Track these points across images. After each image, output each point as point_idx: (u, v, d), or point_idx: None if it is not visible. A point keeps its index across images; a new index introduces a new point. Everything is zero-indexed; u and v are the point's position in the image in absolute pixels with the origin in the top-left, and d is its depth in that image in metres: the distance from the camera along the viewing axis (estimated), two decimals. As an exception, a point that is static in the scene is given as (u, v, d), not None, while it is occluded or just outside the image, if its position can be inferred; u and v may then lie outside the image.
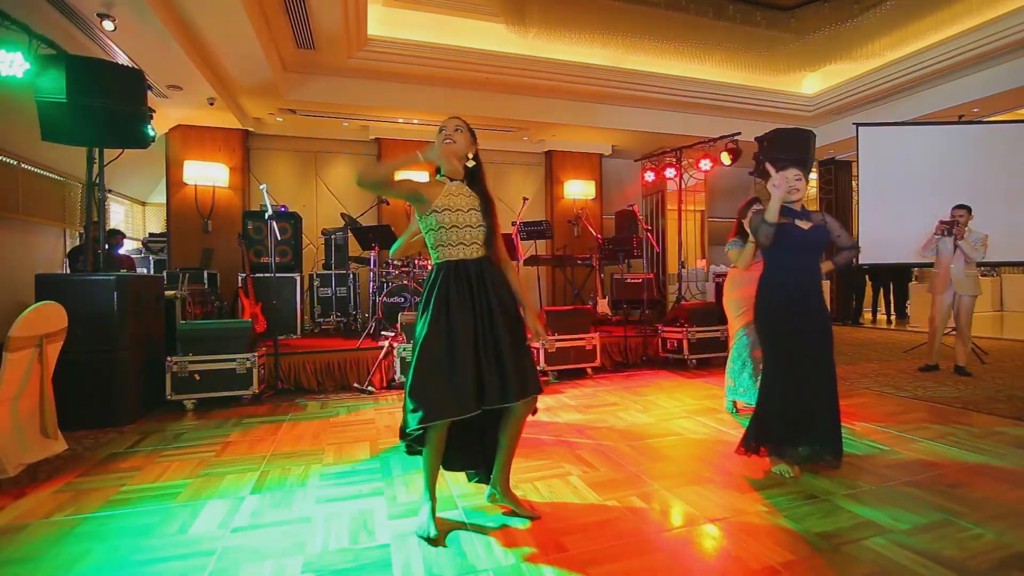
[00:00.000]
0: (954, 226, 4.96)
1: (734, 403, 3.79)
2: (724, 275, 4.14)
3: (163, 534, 2.11)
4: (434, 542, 1.98)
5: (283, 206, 7.02)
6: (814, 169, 9.72)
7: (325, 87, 6.70)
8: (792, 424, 2.57)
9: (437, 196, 2.09)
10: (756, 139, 5.74)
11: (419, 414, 1.93)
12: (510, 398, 2.02)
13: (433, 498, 2.10)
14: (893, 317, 9.92)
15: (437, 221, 2.07)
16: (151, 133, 4.01)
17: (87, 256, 4.00)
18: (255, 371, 4.26)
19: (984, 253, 4.95)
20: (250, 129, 7.49)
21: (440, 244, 2.09)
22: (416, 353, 2.01)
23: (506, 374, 2.02)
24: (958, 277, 4.98)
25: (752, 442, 2.68)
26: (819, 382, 2.62)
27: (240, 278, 6.01)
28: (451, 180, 2.16)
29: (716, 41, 6.51)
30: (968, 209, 5.01)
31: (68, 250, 5.67)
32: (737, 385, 3.70)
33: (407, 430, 1.99)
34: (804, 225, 2.61)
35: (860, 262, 6.97)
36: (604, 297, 7.31)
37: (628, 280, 7.00)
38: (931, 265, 5.34)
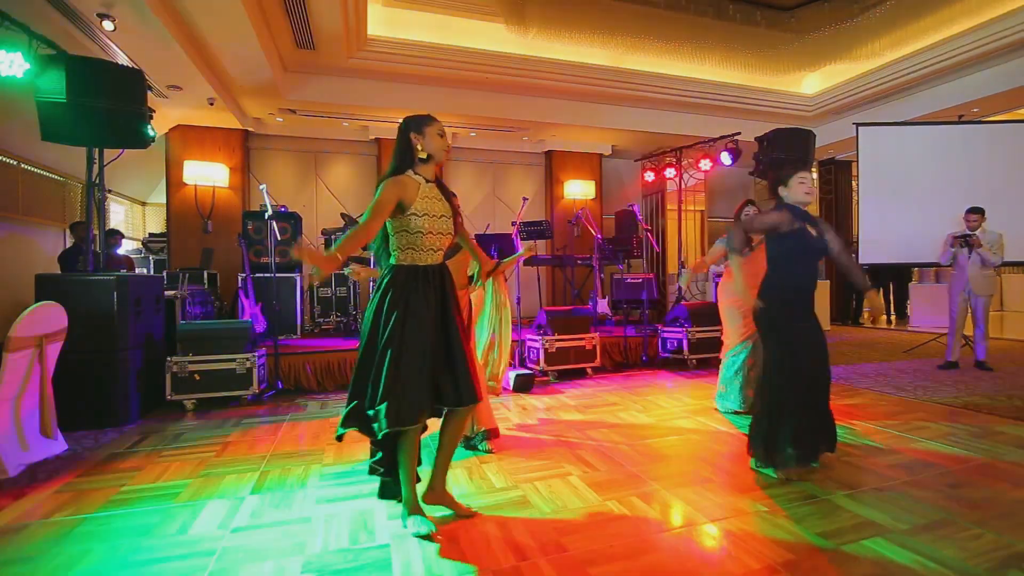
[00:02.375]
0: (969, 238, 5.11)
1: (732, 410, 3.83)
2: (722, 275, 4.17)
3: (163, 534, 2.11)
4: (433, 536, 2.00)
5: (283, 206, 7.01)
6: (814, 169, 9.72)
7: (325, 87, 6.70)
8: (800, 429, 2.56)
9: (415, 198, 2.02)
10: (756, 139, 5.74)
11: (397, 413, 1.91)
12: (464, 400, 2.06)
13: (416, 502, 2.11)
14: (893, 317, 9.92)
15: (415, 225, 2.01)
16: (151, 133, 4.01)
17: (86, 256, 4.00)
18: (255, 371, 4.25)
19: (1003, 256, 5.11)
20: (250, 129, 7.48)
21: (410, 247, 2.04)
22: (391, 351, 1.95)
23: (460, 378, 2.06)
24: (974, 278, 5.12)
25: (761, 449, 2.63)
26: (824, 386, 2.65)
27: (240, 278, 6.01)
28: (426, 180, 2.09)
29: (716, 41, 6.51)
30: (982, 212, 5.13)
31: (58, 254, 5.65)
32: (728, 392, 3.78)
33: (384, 430, 1.92)
34: (814, 231, 2.63)
35: (860, 262, 6.96)
36: (604, 297, 7.30)
37: (628, 280, 7.00)
38: (935, 265, 5.46)
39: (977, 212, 5.13)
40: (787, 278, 2.63)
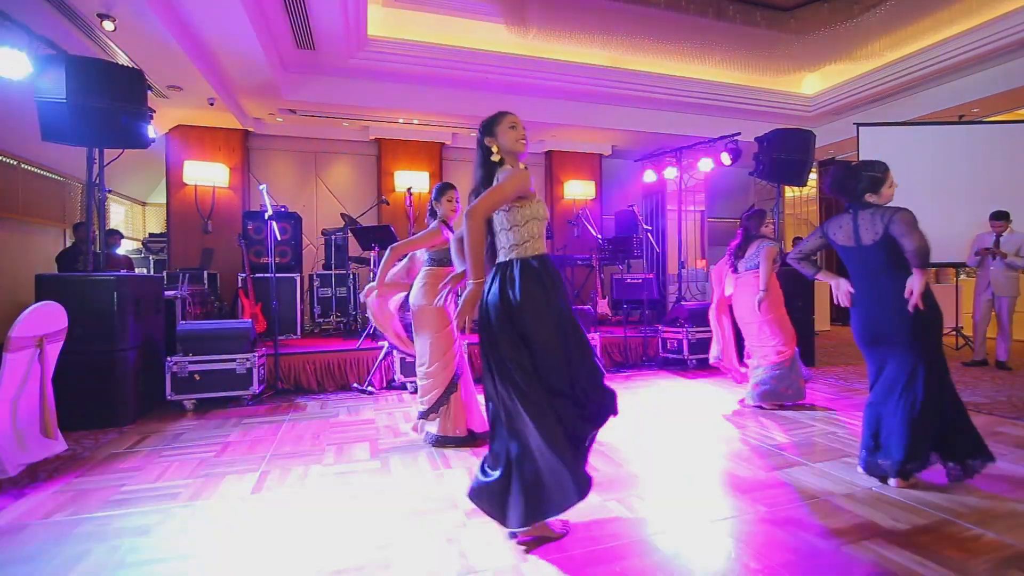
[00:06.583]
0: (996, 247, 5.29)
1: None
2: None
3: (163, 534, 2.11)
4: None
5: (283, 206, 7.01)
6: (814, 169, 9.71)
7: (325, 87, 6.70)
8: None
9: (529, 184, 1.98)
10: (756, 139, 5.73)
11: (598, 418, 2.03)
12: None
13: None
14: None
15: (541, 212, 2.00)
16: (151, 133, 4.01)
17: (85, 257, 4.00)
18: (255, 371, 4.25)
19: None
20: (250, 129, 7.48)
21: (533, 236, 1.98)
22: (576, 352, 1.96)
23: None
24: (997, 278, 5.28)
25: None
26: None
27: (240, 278, 6.01)
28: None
29: (716, 41, 6.51)
30: (1007, 216, 5.29)
31: (56, 254, 5.64)
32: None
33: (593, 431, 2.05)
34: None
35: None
36: (604, 297, 7.30)
37: (628, 280, 7.00)
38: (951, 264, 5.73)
39: (1002, 217, 5.27)
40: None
